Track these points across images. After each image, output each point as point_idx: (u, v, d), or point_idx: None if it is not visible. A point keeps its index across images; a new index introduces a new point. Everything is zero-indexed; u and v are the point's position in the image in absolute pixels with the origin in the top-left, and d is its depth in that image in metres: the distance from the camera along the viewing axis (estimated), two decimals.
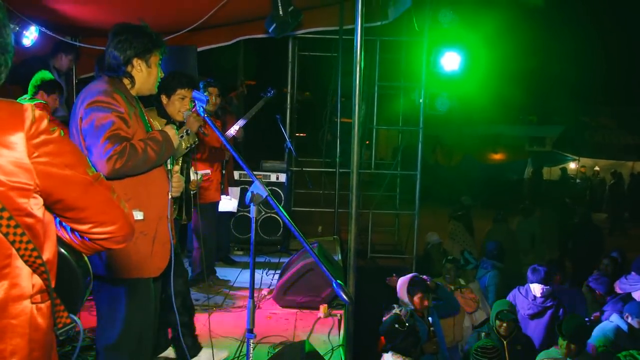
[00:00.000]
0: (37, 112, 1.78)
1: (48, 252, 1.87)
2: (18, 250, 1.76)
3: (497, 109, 25.68)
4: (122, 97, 3.40)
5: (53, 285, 1.89)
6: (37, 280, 1.84)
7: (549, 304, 7.47)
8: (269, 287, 7.06)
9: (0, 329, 1.76)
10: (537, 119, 34.13)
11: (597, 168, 27.51)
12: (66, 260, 1.99)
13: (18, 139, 1.72)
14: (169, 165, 3.70)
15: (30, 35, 6.56)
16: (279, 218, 8.66)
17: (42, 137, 1.77)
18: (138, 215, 3.37)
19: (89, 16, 6.69)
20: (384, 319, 6.32)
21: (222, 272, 7.69)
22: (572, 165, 28.97)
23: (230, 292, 7.08)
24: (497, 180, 23.75)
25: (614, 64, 34.41)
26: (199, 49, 8.85)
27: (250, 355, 3.19)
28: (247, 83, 10.23)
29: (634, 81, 33.19)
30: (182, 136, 4.47)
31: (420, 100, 9.94)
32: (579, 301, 8.11)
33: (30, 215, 1.79)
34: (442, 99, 10.28)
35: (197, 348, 4.89)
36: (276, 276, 7.28)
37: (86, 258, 2.10)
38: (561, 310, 7.50)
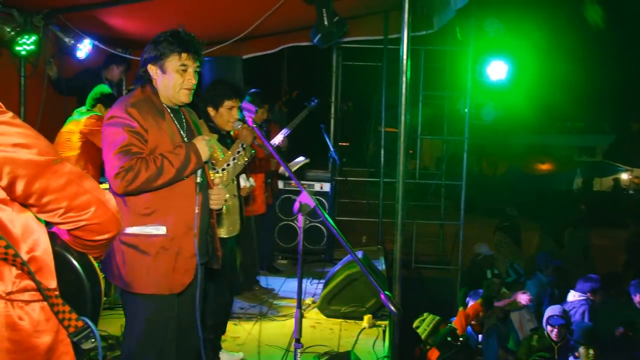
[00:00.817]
0: None
1: (33, 248, 1.85)
2: None
3: (544, 118, 25.46)
4: (140, 111, 3.30)
5: (50, 286, 1.87)
6: (23, 280, 1.82)
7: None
8: (313, 297, 7.10)
9: None
10: (585, 127, 33.63)
11: None
12: (66, 260, 1.97)
13: None
14: (198, 179, 3.49)
15: (84, 48, 6.70)
16: (323, 227, 8.70)
17: None
18: (161, 230, 3.32)
19: (138, 29, 6.82)
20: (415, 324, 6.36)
21: (267, 281, 7.74)
22: (625, 176, 28.51)
23: (275, 301, 7.13)
24: (544, 191, 23.48)
25: None
26: (244, 57, 8.97)
27: None
28: (292, 94, 10.25)
29: None
30: (238, 151, 4.54)
31: (466, 110, 9.91)
32: None
33: None
34: (488, 108, 10.22)
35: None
36: (320, 285, 7.30)
37: (93, 261, 2.08)
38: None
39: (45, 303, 1.85)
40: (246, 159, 4.56)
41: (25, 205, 1.83)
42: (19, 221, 1.81)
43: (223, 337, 5.33)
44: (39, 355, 1.82)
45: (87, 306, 2.00)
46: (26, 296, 1.81)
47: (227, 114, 4.69)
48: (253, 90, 6.93)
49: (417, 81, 10.34)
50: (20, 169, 1.76)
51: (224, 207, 4.70)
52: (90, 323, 1.92)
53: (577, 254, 11.99)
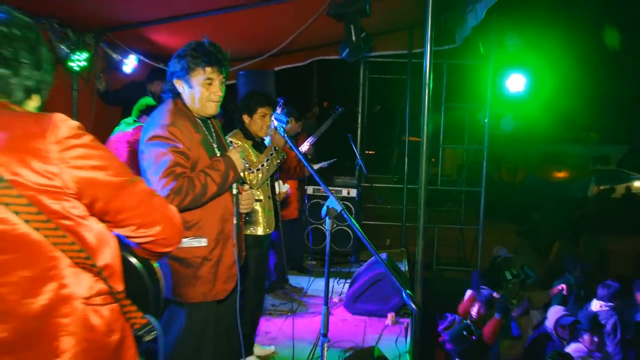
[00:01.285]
0: (62, 118, 1.78)
1: (107, 257, 1.90)
2: (64, 252, 1.78)
3: (560, 128, 25.27)
4: (180, 129, 3.26)
5: (120, 289, 1.92)
6: (98, 285, 1.86)
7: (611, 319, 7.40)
8: (339, 295, 7.15)
9: (52, 326, 1.77)
10: (600, 137, 33.27)
11: None
12: (130, 264, 2.00)
13: (46, 146, 1.72)
14: (234, 190, 3.47)
15: (130, 63, 6.82)
16: (350, 230, 8.73)
17: (70, 142, 1.76)
18: (202, 242, 3.32)
19: (181, 44, 6.90)
20: (441, 328, 6.36)
21: (297, 280, 7.79)
22: (637, 184, 28.19)
23: (304, 299, 7.18)
24: (560, 197, 23.27)
25: None
26: (276, 69, 9.04)
27: (325, 358, 3.19)
28: (322, 105, 10.31)
29: None
30: (271, 153, 4.60)
31: (485, 120, 9.90)
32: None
33: (68, 218, 1.79)
34: (507, 119, 10.24)
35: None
36: (347, 285, 7.34)
37: (157, 266, 2.11)
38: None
39: (115, 304, 1.91)
40: (278, 161, 4.64)
41: (102, 220, 1.90)
42: (95, 233, 1.86)
43: (257, 332, 5.39)
44: (110, 352, 1.87)
45: (149, 304, 2.04)
46: (100, 300, 1.86)
47: (261, 121, 4.77)
48: (279, 99, 6.98)
49: (439, 93, 10.32)
50: (99, 189, 1.83)
51: (260, 207, 4.79)
52: (152, 319, 2.00)
53: (594, 258, 11.89)
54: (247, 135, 4.84)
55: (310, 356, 5.25)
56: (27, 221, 1.71)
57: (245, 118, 4.82)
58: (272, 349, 5.47)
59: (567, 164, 29.77)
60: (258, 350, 5.31)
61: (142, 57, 6.96)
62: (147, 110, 6.42)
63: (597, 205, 24.19)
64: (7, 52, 1.80)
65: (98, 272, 1.84)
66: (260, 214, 4.82)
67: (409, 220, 10.00)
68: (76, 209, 1.81)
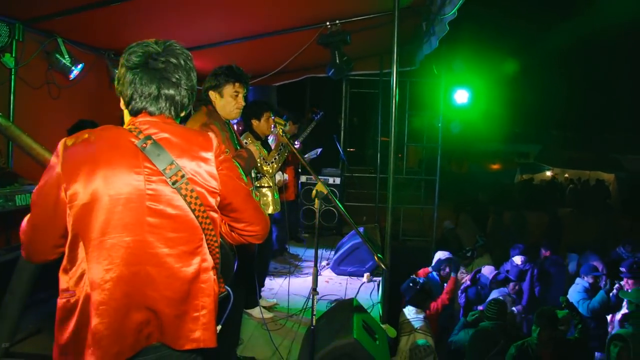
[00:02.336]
0: (217, 139, 1.93)
1: (219, 239, 1.98)
2: (206, 235, 1.88)
3: (494, 130, 25.33)
4: (217, 126, 3.34)
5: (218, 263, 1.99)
6: (213, 259, 1.93)
7: (527, 267, 7.37)
8: (327, 260, 7.07)
9: (197, 289, 1.86)
10: (522, 137, 33.48)
11: (566, 175, 26.88)
12: (223, 247, 2.05)
13: (210, 156, 1.87)
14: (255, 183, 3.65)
15: None
16: (335, 210, 8.65)
17: (223, 156, 1.91)
18: None
19: (201, 67, 6.81)
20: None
21: (294, 249, 7.74)
22: (548, 173, 28.39)
23: (300, 263, 7.11)
24: (495, 183, 23.32)
25: (579, 101, 33.90)
26: (277, 84, 8.95)
27: (314, 305, 3.13)
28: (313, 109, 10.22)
29: (591, 114, 32.95)
30: (280, 149, 4.56)
31: (439, 125, 9.84)
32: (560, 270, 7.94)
33: (215, 211, 1.91)
34: (455, 123, 10.19)
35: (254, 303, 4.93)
36: (332, 252, 7.27)
37: (235, 248, 2.18)
38: (535, 271, 7.40)
39: (216, 275, 1.95)
40: (286, 154, 4.61)
41: (227, 215, 2.01)
42: (220, 222, 1.98)
43: (262, 288, 5.31)
44: (216, 310, 1.93)
45: (229, 278, 2.13)
46: (213, 272, 1.92)
47: (266, 123, 4.76)
48: (284, 117, 6.92)
49: (404, 104, 10.28)
50: (237, 194, 1.97)
51: (270, 192, 4.78)
52: (229, 290, 2.07)
53: (516, 230, 11.91)
54: (256, 136, 4.82)
55: (304, 306, 5.18)
56: (193, 210, 1.83)
57: (254, 122, 4.82)
58: (274, 301, 5.41)
59: (499, 158, 29.90)
60: (263, 302, 5.24)
61: None
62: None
63: (521, 189, 24.33)
64: (175, 79, 1.86)
65: (217, 251, 1.95)
66: (270, 197, 4.80)
67: (380, 202, 9.91)
68: (218, 204, 1.93)
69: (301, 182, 8.59)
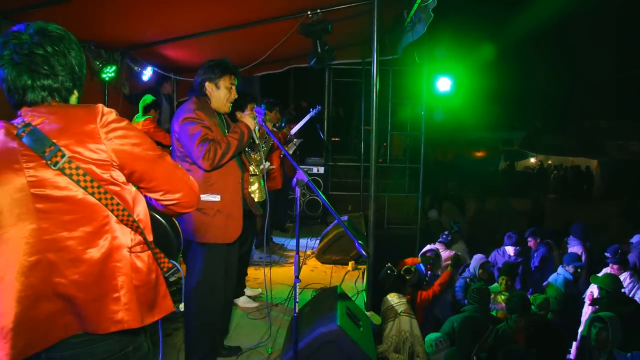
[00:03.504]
0: (106, 108, 1.84)
1: (139, 212, 1.91)
2: (112, 211, 1.81)
3: (478, 118, 25.43)
4: (203, 112, 3.40)
5: (151, 239, 1.94)
6: (136, 237, 1.88)
7: (519, 260, 7.47)
8: (312, 249, 7.10)
9: (110, 269, 1.82)
10: (506, 125, 33.72)
11: (550, 162, 27.14)
12: (158, 221, 2.03)
13: (93, 128, 1.77)
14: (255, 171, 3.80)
15: (147, 73, 6.85)
16: (319, 200, 8.68)
17: (112, 125, 1.80)
18: (217, 197, 3.41)
19: (185, 58, 6.83)
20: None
21: (278, 239, 7.75)
22: (532, 160, 28.63)
23: (284, 252, 7.14)
24: (479, 171, 23.50)
25: (563, 89, 34.20)
26: (261, 74, 8.93)
27: (297, 294, 3.16)
28: (303, 104, 10.22)
29: (574, 103, 33.28)
30: (265, 137, 4.60)
31: (422, 113, 9.88)
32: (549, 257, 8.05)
33: (115, 184, 1.83)
34: (438, 112, 10.23)
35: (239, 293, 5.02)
36: (317, 241, 7.30)
37: (176, 221, 2.13)
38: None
39: (149, 251, 1.93)
40: (271, 143, 4.64)
41: (137, 186, 1.93)
42: (132, 194, 1.90)
43: (247, 278, 5.34)
44: (151, 287, 1.92)
45: (173, 251, 2.08)
46: (139, 248, 1.89)
47: (246, 118, 4.76)
48: (270, 100, 6.91)
49: (387, 92, 10.29)
50: (137, 162, 1.86)
51: (257, 180, 4.83)
52: (176, 263, 2.03)
53: (496, 215, 12.08)
54: None
55: (289, 295, 5.22)
56: (84, 187, 1.77)
57: (238, 114, 4.79)
58: (259, 290, 5.45)
59: (484, 145, 30.06)
60: (249, 292, 5.27)
61: (155, 69, 6.96)
62: (152, 105, 6.47)
63: (505, 176, 24.55)
64: (45, 70, 1.80)
65: (137, 226, 1.87)
66: (256, 185, 4.85)
67: (366, 190, 9.95)
68: (120, 177, 1.85)
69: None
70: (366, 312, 4.42)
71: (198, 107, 3.42)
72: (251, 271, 5.81)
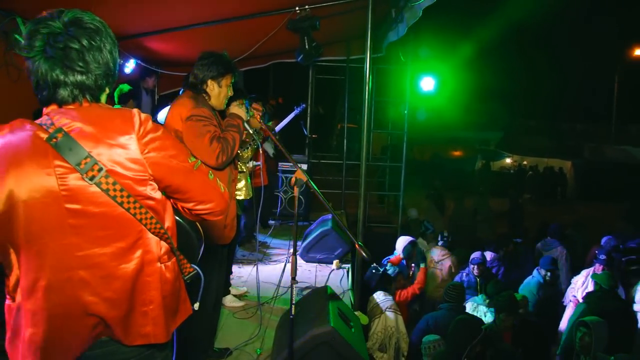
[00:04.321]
0: (143, 116, 1.75)
1: (168, 222, 1.85)
2: (145, 225, 1.75)
3: (459, 118, 25.71)
4: (208, 110, 3.31)
5: (176, 246, 1.88)
6: (164, 245, 1.83)
7: (494, 265, 7.57)
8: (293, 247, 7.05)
9: (142, 284, 1.76)
10: (485, 126, 34.10)
11: (525, 162, 27.50)
12: (182, 226, 1.96)
13: (131, 140, 1.68)
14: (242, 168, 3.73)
15: (130, 66, 6.67)
16: (301, 197, 8.61)
17: (150, 136, 1.72)
18: None
19: (167, 51, 6.71)
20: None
21: (261, 237, 7.66)
22: (508, 160, 29.00)
23: (267, 250, 7.08)
24: (457, 170, 23.69)
25: (540, 91, 34.81)
26: (243, 69, 8.83)
27: (294, 295, 3.12)
28: (278, 100, 10.16)
29: (551, 104, 33.84)
30: (254, 137, 4.52)
31: (405, 112, 9.90)
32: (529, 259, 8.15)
33: (150, 198, 1.76)
34: (421, 111, 10.25)
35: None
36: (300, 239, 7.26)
37: (198, 224, 2.06)
38: (502, 268, 7.60)
39: (174, 258, 1.88)
40: (260, 141, 4.58)
41: (171, 197, 1.88)
42: (163, 203, 1.83)
43: (231, 276, 5.28)
44: (176, 295, 1.89)
45: (194, 254, 2.04)
46: (166, 257, 1.84)
47: (236, 110, 4.69)
48: (252, 96, 6.84)
49: (370, 90, 10.28)
50: (173, 175, 1.80)
51: (244, 178, 4.78)
52: (197, 268, 2.00)
53: (475, 215, 12.18)
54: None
55: (275, 294, 5.16)
56: (120, 203, 1.69)
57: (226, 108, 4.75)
58: (244, 289, 5.40)
59: (461, 145, 30.35)
60: (234, 290, 5.22)
61: (138, 61, 6.80)
62: (128, 95, 6.30)
63: (481, 175, 24.82)
64: (80, 67, 1.68)
65: (167, 237, 1.83)
66: (243, 183, 4.79)
67: (347, 188, 9.93)
68: (155, 190, 1.79)
69: (279, 170, 8.60)
70: (354, 312, 4.40)
71: (201, 104, 3.32)
72: (235, 269, 5.76)
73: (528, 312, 6.17)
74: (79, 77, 1.68)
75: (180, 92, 3.78)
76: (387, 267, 6.70)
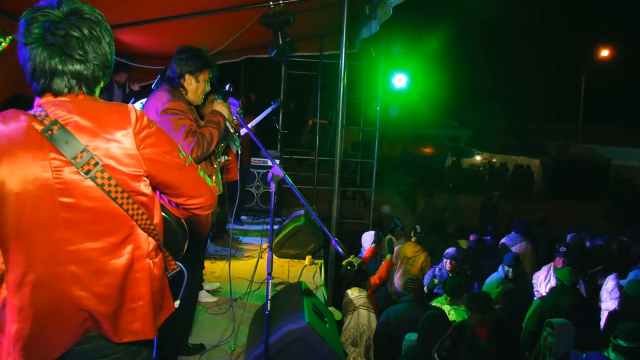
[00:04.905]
0: (139, 111, 1.75)
1: (156, 218, 1.85)
2: (137, 221, 1.75)
3: (429, 115, 25.95)
4: (184, 104, 3.31)
5: (162, 241, 1.88)
6: (152, 242, 1.83)
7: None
8: (267, 243, 7.05)
9: (131, 280, 1.76)
10: (457, 124, 34.51)
11: (494, 160, 27.89)
12: (169, 222, 1.96)
13: (127, 135, 1.69)
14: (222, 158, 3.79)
15: None
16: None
17: (146, 132, 1.73)
18: None
19: (141, 44, 6.61)
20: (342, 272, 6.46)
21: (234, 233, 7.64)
22: (478, 157, 29.36)
23: (240, 245, 7.07)
24: (427, 167, 23.91)
25: (508, 89, 35.42)
26: (218, 64, 8.76)
27: (269, 291, 3.11)
28: (251, 98, 10.12)
29: (520, 102, 34.46)
30: (228, 133, 4.50)
31: (377, 108, 9.97)
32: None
33: (143, 194, 1.77)
34: (393, 107, 10.33)
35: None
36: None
37: (183, 220, 2.07)
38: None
39: (161, 254, 1.88)
40: (230, 139, 4.57)
41: (163, 192, 1.90)
42: (153, 200, 1.84)
43: (204, 272, 5.26)
44: (162, 291, 1.91)
45: (179, 251, 2.05)
46: (154, 253, 1.84)
47: (210, 105, 4.64)
48: (223, 90, 6.80)
49: (344, 87, 10.32)
50: (167, 171, 1.82)
51: (215, 174, 4.76)
52: (181, 265, 2.01)
53: (444, 211, 12.36)
54: (201, 115, 4.72)
55: (247, 290, 5.18)
56: (114, 199, 1.69)
57: (215, 102, 4.72)
58: (217, 284, 5.39)
59: (431, 142, 30.62)
60: (207, 286, 5.21)
61: None
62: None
63: (451, 172, 25.10)
64: (79, 55, 1.68)
65: (156, 233, 1.83)
66: (214, 178, 4.78)
67: (319, 184, 9.96)
68: (147, 186, 1.79)
69: (252, 165, 8.55)
70: (328, 308, 4.43)
71: (177, 98, 3.31)
72: (208, 265, 5.74)
73: (505, 307, 6.27)
74: (77, 67, 1.68)
75: (153, 85, 3.75)
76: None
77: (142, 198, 1.77)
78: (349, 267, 6.13)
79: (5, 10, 5.19)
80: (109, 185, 1.67)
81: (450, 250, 7.22)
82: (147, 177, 1.78)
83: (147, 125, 1.75)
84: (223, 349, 4.02)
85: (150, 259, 1.81)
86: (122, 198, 1.69)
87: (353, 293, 5.72)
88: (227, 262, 6.04)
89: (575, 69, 31.22)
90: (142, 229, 1.78)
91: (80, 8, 1.69)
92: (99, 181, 1.65)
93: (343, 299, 5.75)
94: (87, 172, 1.64)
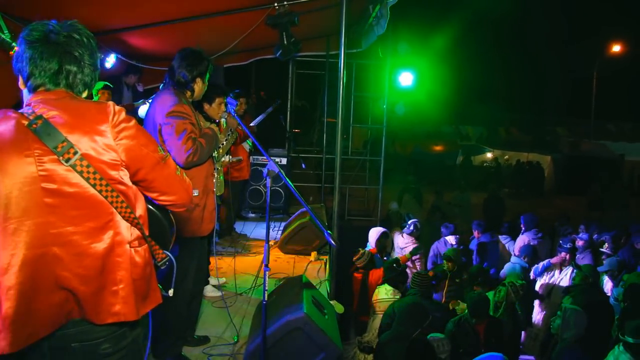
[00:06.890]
0: (117, 107, 1.89)
1: (140, 210, 1.98)
2: (116, 208, 1.88)
3: (438, 113, 25.84)
4: (189, 107, 3.47)
5: (147, 233, 2.00)
6: (135, 231, 1.95)
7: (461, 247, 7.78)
8: (274, 239, 7.16)
9: (112, 263, 1.89)
10: (465, 121, 34.32)
11: (506, 157, 27.76)
12: (154, 214, 2.09)
13: (106, 128, 1.84)
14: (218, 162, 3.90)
15: (110, 60, 6.64)
16: (281, 190, 8.72)
17: (122, 125, 1.87)
18: (195, 192, 3.45)
19: (150, 46, 6.74)
20: (355, 258, 6.52)
21: (240, 228, 7.75)
22: (489, 155, 29.23)
23: (247, 242, 7.18)
24: (438, 164, 23.90)
25: (519, 85, 35.13)
26: (225, 66, 8.89)
27: (267, 283, 3.21)
28: (260, 94, 10.24)
29: (531, 99, 34.23)
30: (229, 134, 4.57)
31: (384, 106, 10.04)
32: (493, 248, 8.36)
33: (122, 183, 1.90)
34: (400, 105, 10.38)
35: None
36: (279, 232, 7.38)
37: (171, 214, 2.19)
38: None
39: (146, 245, 2.01)
40: (234, 139, 4.65)
41: (137, 184, 2.00)
42: (134, 192, 1.97)
43: (210, 267, 5.37)
44: (146, 280, 2.00)
45: (167, 241, 2.17)
46: (137, 243, 1.96)
47: (217, 108, 4.67)
48: (236, 90, 6.92)
49: (350, 85, 10.41)
50: (143, 162, 1.95)
51: (217, 174, 4.84)
52: (169, 254, 2.13)
53: (457, 208, 12.37)
54: (206, 117, 4.78)
55: (253, 284, 5.28)
56: (93, 185, 1.83)
57: (205, 105, 4.74)
58: (223, 279, 5.49)
59: (442, 140, 30.51)
60: (213, 281, 5.32)
61: (119, 56, 6.79)
62: (103, 88, 6.23)
63: (462, 170, 25.03)
64: (78, 54, 1.89)
65: (137, 223, 1.94)
66: (216, 178, 4.86)
67: (327, 182, 10.06)
68: (126, 176, 1.92)
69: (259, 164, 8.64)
70: (330, 301, 4.53)
71: (184, 101, 3.45)
72: (214, 261, 5.84)
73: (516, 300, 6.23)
74: (74, 67, 1.89)
75: (161, 87, 3.85)
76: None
77: (121, 187, 1.90)
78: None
79: (18, 15, 5.34)
80: (88, 172, 1.81)
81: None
82: (125, 167, 1.90)
83: (125, 120, 1.90)
84: (226, 340, 4.14)
85: (131, 247, 1.93)
86: (100, 185, 1.83)
87: (387, 294, 5.78)
88: (234, 258, 6.16)
89: (587, 65, 30.93)
90: (123, 217, 1.90)
91: (77, 24, 1.92)
92: (78, 169, 1.80)
93: (374, 295, 5.79)
94: (67, 160, 1.78)
